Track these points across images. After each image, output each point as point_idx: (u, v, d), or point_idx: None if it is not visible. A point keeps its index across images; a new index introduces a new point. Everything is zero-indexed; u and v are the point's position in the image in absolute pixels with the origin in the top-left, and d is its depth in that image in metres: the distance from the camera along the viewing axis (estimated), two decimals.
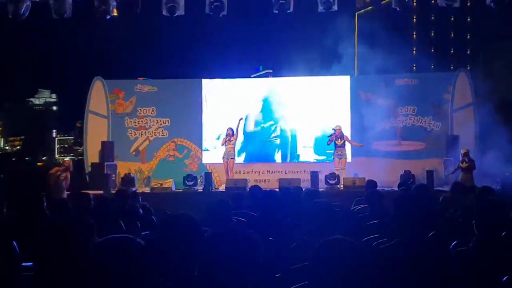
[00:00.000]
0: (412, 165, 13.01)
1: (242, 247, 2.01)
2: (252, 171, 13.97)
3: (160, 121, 14.61)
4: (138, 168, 14.35)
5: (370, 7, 58.08)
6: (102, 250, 1.85)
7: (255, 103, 14.58)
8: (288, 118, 14.42)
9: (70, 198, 6.56)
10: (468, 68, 18.49)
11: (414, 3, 54.53)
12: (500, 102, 16.92)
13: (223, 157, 12.67)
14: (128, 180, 12.66)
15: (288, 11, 9.23)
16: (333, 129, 12.49)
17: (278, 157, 14.36)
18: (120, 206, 5.41)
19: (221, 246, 2.01)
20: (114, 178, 13.08)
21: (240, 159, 13.92)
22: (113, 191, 10.33)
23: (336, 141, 12.40)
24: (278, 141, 14.39)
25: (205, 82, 14.84)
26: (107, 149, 13.83)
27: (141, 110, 14.66)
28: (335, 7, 9.22)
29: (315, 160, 14.06)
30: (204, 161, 14.36)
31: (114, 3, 9.11)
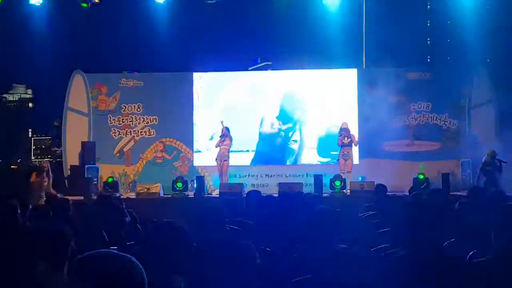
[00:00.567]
0: (426, 167, 13.02)
1: (235, 259, 2.01)
2: (249, 175, 13.97)
3: (147, 119, 14.60)
4: (122, 172, 14.33)
5: None
6: (81, 268, 1.76)
7: (257, 98, 14.59)
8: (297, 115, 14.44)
9: (47, 205, 6.55)
10: (488, 60, 18.48)
11: None
12: None
13: (216, 159, 12.68)
14: (112, 184, 12.65)
15: None
16: (341, 128, 12.53)
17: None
18: (102, 213, 5.40)
19: (212, 257, 2.01)
20: (95, 182, 13.07)
21: (245, 159, 13.90)
22: (94, 197, 10.33)
23: (343, 140, 12.42)
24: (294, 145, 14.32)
25: (197, 76, 14.83)
26: (88, 150, 13.82)
27: (125, 107, 14.65)
28: None
29: (318, 162, 14.06)
30: (196, 163, 14.36)
31: None
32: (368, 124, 13.62)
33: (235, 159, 13.37)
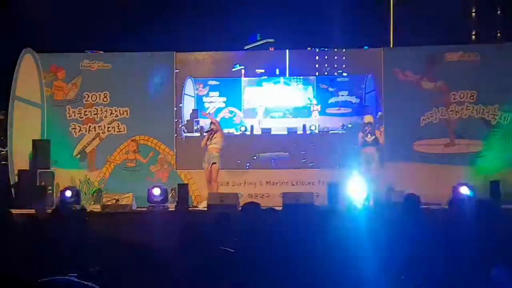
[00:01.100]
0: (469, 173, 13.04)
1: None
2: (245, 182, 13.97)
3: (116, 111, 14.61)
4: (84, 178, 14.36)
5: None
6: None
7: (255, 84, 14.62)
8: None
9: None
10: None
11: None
12: None
13: (204, 162, 12.68)
14: (71, 194, 12.63)
15: None
16: (363, 123, 12.60)
17: None
18: (58, 231, 5.40)
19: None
20: (50, 191, 13.07)
21: None
22: (49, 210, 10.31)
23: (366, 138, 12.44)
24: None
25: (180, 57, 14.85)
26: (41, 151, 13.81)
27: (88, 95, 14.66)
28: None
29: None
30: (178, 167, 14.37)
31: None
32: (395, 118, 13.64)
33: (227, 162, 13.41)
